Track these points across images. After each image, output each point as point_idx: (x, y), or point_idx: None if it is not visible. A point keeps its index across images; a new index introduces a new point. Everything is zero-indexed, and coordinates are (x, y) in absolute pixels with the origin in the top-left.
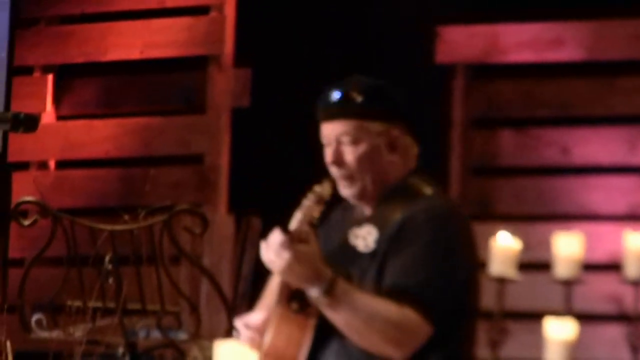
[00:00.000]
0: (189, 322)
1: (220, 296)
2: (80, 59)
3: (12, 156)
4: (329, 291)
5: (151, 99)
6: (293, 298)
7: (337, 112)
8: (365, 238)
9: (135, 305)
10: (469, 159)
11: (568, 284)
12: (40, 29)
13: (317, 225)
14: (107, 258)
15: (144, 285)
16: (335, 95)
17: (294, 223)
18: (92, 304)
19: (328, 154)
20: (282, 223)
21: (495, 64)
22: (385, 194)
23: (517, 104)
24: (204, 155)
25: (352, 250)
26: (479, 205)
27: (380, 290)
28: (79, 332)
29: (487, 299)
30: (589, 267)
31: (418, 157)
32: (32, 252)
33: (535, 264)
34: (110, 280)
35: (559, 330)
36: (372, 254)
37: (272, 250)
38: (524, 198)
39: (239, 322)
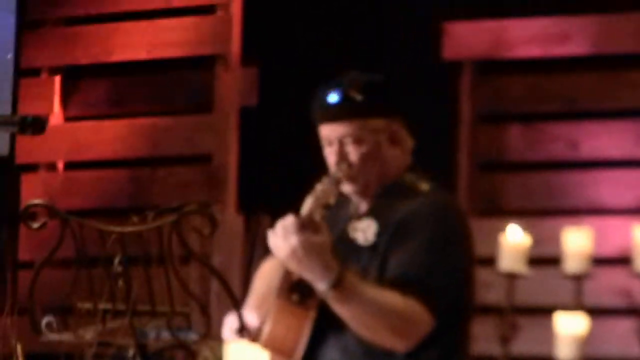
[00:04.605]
0: (199, 322)
1: (230, 296)
2: (86, 60)
3: (21, 158)
4: (337, 285)
5: (158, 99)
6: (294, 289)
7: (338, 113)
8: (364, 231)
9: (145, 307)
10: (476, 155)
11: (578, 278)
12: (47, 30)
13: (331, 208)
14: (116, 260)
15: (153, 286)
16: (334, 96)
17: (306, 208)
18: (102, 305)
19: (330, 155)
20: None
21: (502, 59)
22: (383, 190)
23: (525, 99)
24: (212, 155)
25: (351, 243)
26: (487, 201)
27: (383, 283)
28: (89, 334)
29: (497, 295)
30: (599, 261)
31: (413, 151)
32: (42, 254)
33: (544, 259)
34: (120, 282)
35: (569, 325)
36: (372, 248)
37: (280, 233)
38: (532, 193)
39: (232, 321)
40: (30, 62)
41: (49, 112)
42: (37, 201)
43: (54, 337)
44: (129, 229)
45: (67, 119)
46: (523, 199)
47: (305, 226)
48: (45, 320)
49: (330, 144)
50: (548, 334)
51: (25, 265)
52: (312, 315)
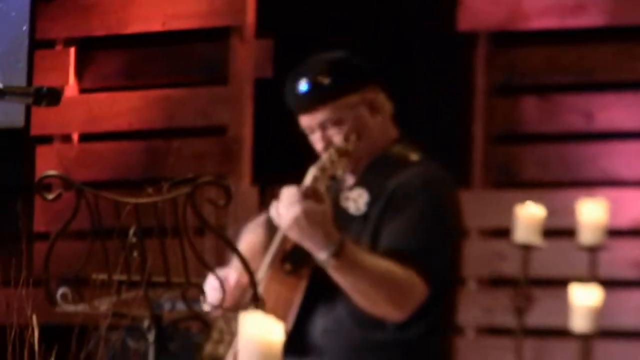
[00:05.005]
0: None
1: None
2: (101, 32)
3: (36, 130)
4: (338, 254)
5: (173, 71)
6: (286, 259)
7: (311, 102)
8: (356, 201)
9: (160, 278)
10: (492, 127)
11: (593, 250)
12: (62, 2)
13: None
14: (131, 231)
15: (168, 257)
16: (303, 85)
17: (308, 178)
18: (116, 277)
19: (316, 142)
20: None
21: (517, 30)
22: (370, 164)
23: (540, 70)
24: (227, 127)
25: (343, 213)
26: (502, 173)
27: (378, 252)
28: (104, 305)
29: (513, 266)
30: (614, 233)
31: (394, 116)
32: (57, 226)
33: (559, 231)
34: (135, 253)
35: (584, 297)
36: (364, 217)
37: (284, 202)
38: (547, 165)
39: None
40: (45, 33)
41: (64, 83)
42: (51, 172)
43: (69, 308)
44: (143, 200)
45: (82, 90)
46: (538, 170)
47: (308, 195)
48: (60, 292)
49: (312, 131)
50: (563, 306)
51: (41, 237)
52: (303, 285)
